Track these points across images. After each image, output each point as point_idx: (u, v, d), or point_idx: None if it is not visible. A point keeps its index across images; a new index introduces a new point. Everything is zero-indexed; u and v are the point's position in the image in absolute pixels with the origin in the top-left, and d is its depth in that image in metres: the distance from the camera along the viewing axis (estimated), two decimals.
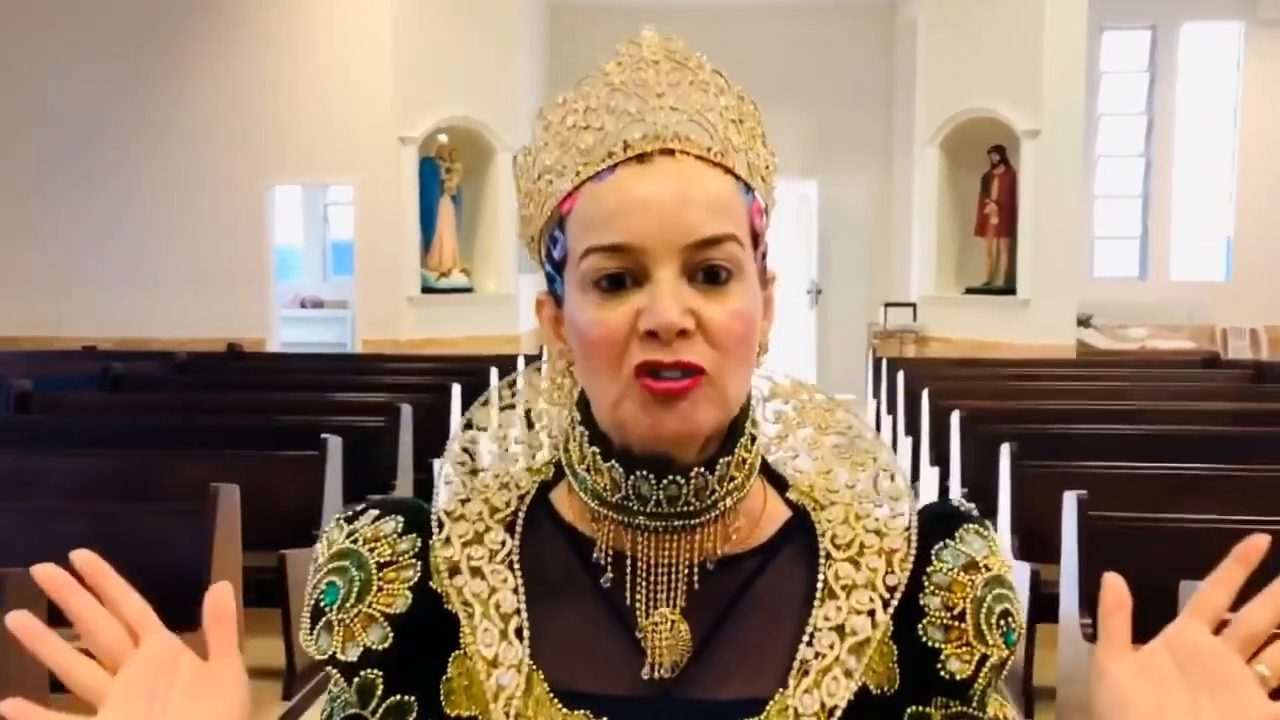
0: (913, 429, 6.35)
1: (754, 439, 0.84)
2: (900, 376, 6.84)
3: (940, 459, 5.60)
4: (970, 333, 9.67)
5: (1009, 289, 9.52)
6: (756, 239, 0.82)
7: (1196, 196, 12.05)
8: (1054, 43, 9.09)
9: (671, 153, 0.79)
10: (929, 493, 5.78)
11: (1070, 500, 3.57)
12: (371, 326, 9.56)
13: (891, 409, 7.14)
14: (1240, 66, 11.84)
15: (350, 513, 0.88)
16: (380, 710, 0.82)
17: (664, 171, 0.78)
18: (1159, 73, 11.87)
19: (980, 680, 0.82)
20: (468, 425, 0.90)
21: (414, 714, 0.82)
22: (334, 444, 4.29)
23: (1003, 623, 0.83)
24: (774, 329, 0.85)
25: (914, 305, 10.11)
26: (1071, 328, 9.46)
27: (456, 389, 6.02)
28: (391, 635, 0.82)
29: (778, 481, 0.88)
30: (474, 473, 0.88)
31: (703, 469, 0.79)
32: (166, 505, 3.60)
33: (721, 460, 0.80)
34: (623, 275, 0.77)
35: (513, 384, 0.91)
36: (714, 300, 0.77)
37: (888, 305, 10.28)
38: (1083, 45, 9.38)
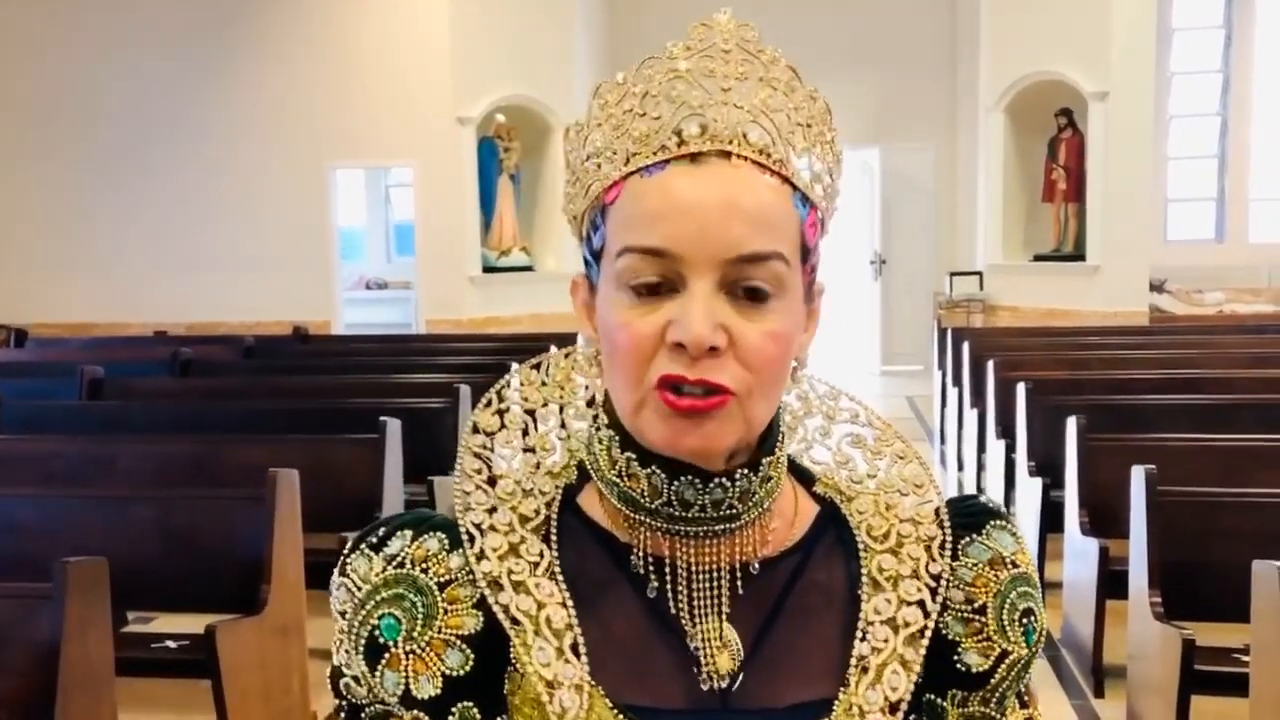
0: (979, 401, 6.23)
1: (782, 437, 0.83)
2: (965, 347, 6.71)
3: (1007, 432, 5.49)
4: (1039, 301, 9.49)
5: (1078, 255, 9.33)
6: (807, 253, 0.78)
7: (1275, 155, 11.64)
8: (1122, 1, 8.83)
9: (727, 155, 0.74)
10: (996, 466, 5.67)
11: (1138, 475, 3.47)
12: (434, 307, 9.65)
13: (957, 380, 7.01)
14: None
15: (373, 539, 0.82)
16: None
17: (715, 175, 0.74)
18: (1235, 28, 11.48)
19: (998, 676, 0.82)
20: (474, 430, 0.85)
21: None
22: (393, 426, 4.31)
23: (1025, 621, 0.82)
24: (814, 341, 0.83)
25: (980, 274, 9.94)
26: (1144, 294, 9.24)
27: (516, 368, 6.02)
28: (472, 657, 0.77)
29: (802, 477, 0.86)
30: (492, 481, 0.83)
31: (745, 469, 0.78)
32: (228, 491, 3.64)
33: (764, 461, 0.79)
34: (658, 283, 0.73)
35: (510, 384, 0.88)
36: (750, 318, 0.73)
37: (953, 274, 10.11)
38: (1152, 2, 9.11)
